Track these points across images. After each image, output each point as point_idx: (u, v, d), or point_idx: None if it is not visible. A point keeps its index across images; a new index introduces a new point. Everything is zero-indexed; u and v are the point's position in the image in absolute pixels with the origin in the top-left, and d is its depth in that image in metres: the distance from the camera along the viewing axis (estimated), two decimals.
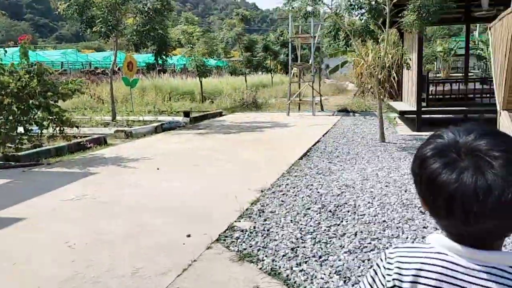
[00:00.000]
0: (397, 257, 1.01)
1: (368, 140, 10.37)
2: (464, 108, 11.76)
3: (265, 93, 24.31)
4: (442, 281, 0.92)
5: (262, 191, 5.93)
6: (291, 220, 4.76)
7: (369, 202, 5.29)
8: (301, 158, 8.32)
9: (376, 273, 1.06)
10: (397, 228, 4.46)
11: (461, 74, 34.62)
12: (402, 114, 12.09)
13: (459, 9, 12.67)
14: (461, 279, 0.91)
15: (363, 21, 9.57)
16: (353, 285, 3.33)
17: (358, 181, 6.37)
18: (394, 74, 20.43)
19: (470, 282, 0.90)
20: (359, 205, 5.19)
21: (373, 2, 9.39)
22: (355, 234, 4.32)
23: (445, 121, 12.80)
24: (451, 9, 8.86)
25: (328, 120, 14.56)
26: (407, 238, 4.20)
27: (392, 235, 4.28)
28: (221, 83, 25.21)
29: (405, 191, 5.78)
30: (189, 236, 4.41)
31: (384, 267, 1.03)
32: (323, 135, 11.15)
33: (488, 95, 11.91)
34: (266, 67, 32.62)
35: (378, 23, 10.09)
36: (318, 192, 5.77)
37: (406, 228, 4.44)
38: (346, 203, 5.27)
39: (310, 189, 5.95)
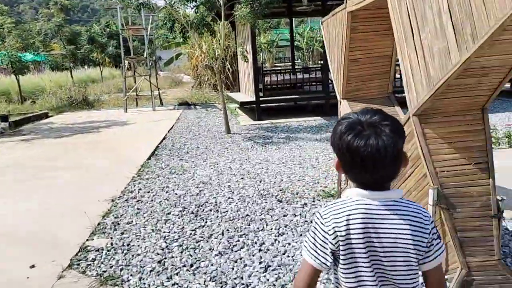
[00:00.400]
0: (330, 213, 1.38)
1: (214, 133, 10.45)
2: (295, 96, 12.73)
3: (96, 89, 22.68)
4: (365, 218, 1.34)
5: (113, 200, 5.43)
6: (152, 229, 4.44)
7: (229, 198, 5.27)
8: (149, 158, 7.92)
9: (315, 231, 1.40)
10: (260, 220, 4.53)
11: (283, 64, 37.80)
12: (242, 104, 12.51)
13: (283, 4, 13.58)
14: (376, 214, 1.35)
15: (198, 13, 9.49)
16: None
17: (214, 177, 6.32)
18: (229, 66, 21.11)
19: (381, 214, 1.35)
20: (220, 202, 5.13)
21: None
22: (222, 234, 4.24)
23: (279, 109, 13.72)
24: (279, 3, 9.39)
25: (170, 114, 14.26)
26: (271, 229, 4.29)
27: (258, 228, 4.32)
28: (43, 80, 22.59)
29: (260, 182, 5.93)
30: (33, 266, 3.76)
31: (322, 224, 1.38)
32: (168, 131, 10.85)
33: (314, 83, 13.12)
34: (94, 60, 30.46)
35: (214, 16, 10.17)
36: (176, 194, 5.53)
37: (269, 219, 4.54)
38: (207, 202, 5.16)
39: (167, 191, 5.67)
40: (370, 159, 1.31)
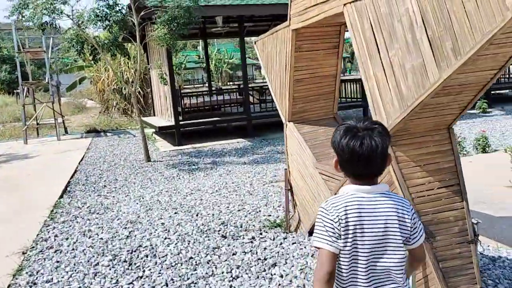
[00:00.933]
0: (331, 205, 1.64)
1: (132, 162, 9.68)
2: (216, 118, 12.38)
3: None
4: (359, 208, 1.62)
5: (24, 253, 4.56)
6: (80, 287, 3.73)
7: (165, 238, 4.69)
8: (61, 196, 6.99)
9: (323, 222, 1.63)
10: (207, 263, 4.03)
11: (192, 86, 37.28)
12: (161, 129, 11.84)
13: (196, 25, 13.25)
14: (368, 204, 1.63)
15: (111, 34, 8.79)
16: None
17: (142, 213, 5.67)
18: (139, 89, 20.20)
19: (372, 204, 1.63)
20: (156, 245, 4.53)
21: (119, 14, 8.75)
22: (166, 285, 3.67)
23: (199, 132, 13.25)
24: (198, 23, 9.04)
25: (79, 143, 13.08)
26: (222, 273, 3.81)
27: (207, 273, 3.82)
28: None
29: (197, 215, 5.42)
30: None
31: (327, 214, 1.63)
32: (79, 163, 9.83)
33: (234, 105, 12.88)
34: None
35: (128, 36, 9.52)
36: (102, 239, 4.81)
37: (217, 260, 4.06)
38: (140, 246, 4.53)
39: (90, 236, 4.92)
40: (364, 156, 1.61)
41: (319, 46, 4.10)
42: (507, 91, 17.76)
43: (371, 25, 2.80)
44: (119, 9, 8.54)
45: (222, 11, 11.00)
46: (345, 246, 1.61)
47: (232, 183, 7.13)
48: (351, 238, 1.61)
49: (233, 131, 13.27)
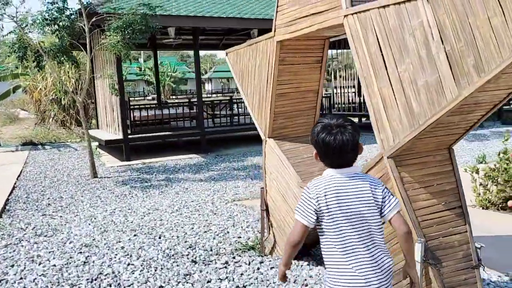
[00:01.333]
0: (313, 186, 2.01)
1: (77, 178, 9.00)
2: (168, 133, 11.93)
3: None
4: (338, 188, 1.97)
5: None
6: None
7: (129, 264, 4.25)
8: (0, 215, 6.27)
9: (303, 199, 2.02)
10: None
11: (133, 98, 36.05)
12: (107, 143, 11.18)
13: (145, 35, 12.79)
14: (344, 182, 1.98)
15: (59, 40, 8.19)
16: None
17: (98, 236, 5.17)
18: (80, 99, 19.17)
19: (348, 182, 1.98)
20: (119, 272, 4.08)
21: (68, 19, 8.18)
22: None
23: (147, 147, 12.69)
24: (154, 31, 8.66)
25: (14, 157, 12.05)
26: None
27: None
28: None
29: (160, 238, 5.02)
30: None
31: (308, 193, 2.00)
32: (17, 178, 8.99)
33: (188, 119, 12.50)
34: None
35: (76, 43, 8.92)
36: (55, 266, 4.27)
37: None
38: (101, 273, 4.06)
39: (40, 263, 4.36)
40: (338, 149, 1.96)
41: (303, 59, 3.93)
42: None
43: (377, 38, 2.66)
44: (70, 14, 7.97)
45: (177, 21, 10.67)
46: (329, 220, 1.96)
47: (192, 201, 6.76)
48: (332, 213, 1.95)
49: (183, 146, 12.85)
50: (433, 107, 2.39)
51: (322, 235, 2.00)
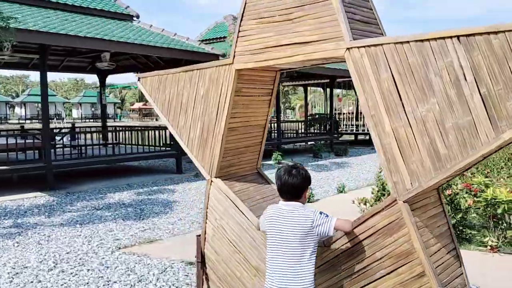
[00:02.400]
0: (268, 209, 2.74)
1: None
2: (3, 167, 9.93)
3: None
4: (277, 213, 2.65)
5: None
6: None
7: None
8: None
9: (263, 215, 2.79)
10: None
11: None
12: None
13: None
14: (285, 211, 2.63)
15: None
16: None
17: None
18: None
19: (287, 212, 2.62)
20: None
21: None
22: None
23: None
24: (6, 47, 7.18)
25: None
26: None
27: None
28: None
29: None
30: None
31: (265, 213, 2.75)
32: None
33: (30, 150, 10.64)
34: None
35: None
36: None
37: None
38: None
39: None
40: (287, 187, 2.66)
41: (256, 91, 3.59)
42: (294, 145, 20.16)
43: (393, 75, 2.52)
44: None
45: (23, 36, 9.07)
46: (268, 237, 2.67)
47: (67, 253, 5.60)
48: (270, 232, 2.65)
49: (18, 181, 10.87)
50: (465, 150, 2.32)
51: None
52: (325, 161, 15.79)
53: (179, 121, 3.84)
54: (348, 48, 2.66)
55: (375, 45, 2.56)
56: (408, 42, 2.45)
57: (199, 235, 3.76)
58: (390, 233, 2.60)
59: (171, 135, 14.37)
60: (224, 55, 12.71)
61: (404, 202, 2.53)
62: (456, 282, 2.69)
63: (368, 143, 21.19)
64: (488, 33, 2.22)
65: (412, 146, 2.48)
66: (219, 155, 3.49)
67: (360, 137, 24.75)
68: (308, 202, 8.35)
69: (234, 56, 3.28)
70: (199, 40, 13.84)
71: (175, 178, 12.06)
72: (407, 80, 2.48)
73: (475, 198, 5.68)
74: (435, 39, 2.37)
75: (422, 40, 2.41)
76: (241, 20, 3.21)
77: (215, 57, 12.25)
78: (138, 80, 4.26)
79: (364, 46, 2.59)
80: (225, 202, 3.49)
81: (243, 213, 3.37)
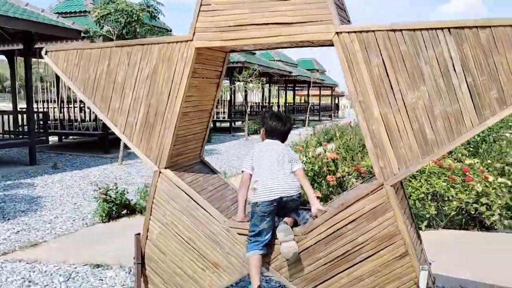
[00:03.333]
0: (254, 150, 3.18)
1: None
2: None
3: None
4: (267, 147, 3.14)
5: None
6: None
7: None
8: None
9: (249, 156, 3.19)
10: None
11: None
12: None
13: None
14: (273, 145, 3.14)
15: None
16: None
17: None
18: None
19: (275, 146, 3.15)
20: None
21: None
22: None
23: None
24: None
25: None
26: None
27: None
28: None
29: None
30: None
31: (252, 153, 3.16)
32: None
33: None
34: None
35: None
36: None
37: None
38: None
39: None
40: (282, 131, 3.12)
41: (208, 73, 3.33)
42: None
43: (384, 61, 2.59)
44: None
45: None
46: (263, 162, 3.06)
47: None
48: (262, 157, 3.07)
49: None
50: (451, 135, 2.52)
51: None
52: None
53: (110, 103, 3.36)
54: (337, 33, 2.64)
55: (366, 31, 2.59)
56: (401, 30, 2.54)
57: (139, 234, 3.38)
58: (375, 216, 2.69)
59: (22, 120, 12.59)
60: (87, 32, 11.57)
61: (390, 186, 2.64)
62: (422, 258, 2.93)
63: (228, 130, 21.64)
64: (477, 27, 2.43)
65: (401, 132, 2.60)
66: (171, 142, 3.17)
67: (221, 124, 25.07)
68: None
69: (194, 33, 2.99)
70: (56, 13, 12.31)
71: (30, 170, 10.62)
72: (398, 67, 2.57)
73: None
74: (427, 29, 2.51)
75: (414, 30, 2.53)
76: None
77: (77, 33, 11.08)
78: (46, 53, 3.61)
79: (355, 32, 2.61)
80: (178, 195, 3.18)
81: (202, 207, 3.12)
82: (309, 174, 6.23)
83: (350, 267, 2.79)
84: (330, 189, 6.19)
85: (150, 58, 3.16)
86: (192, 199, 3.14)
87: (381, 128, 2.63)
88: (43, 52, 3.64)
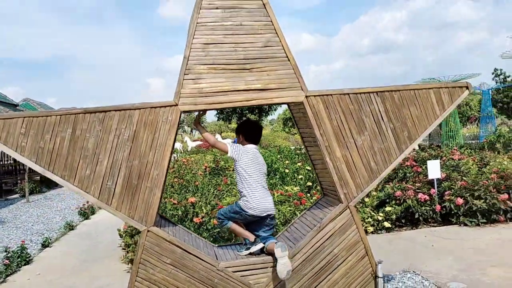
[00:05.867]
0: (244, 148, 3.90)
1: None
2: None
3: None
4: (255, 153, 3.88)
5: None
6: None
7: None
8: None
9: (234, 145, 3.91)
10: None
11: None
12: None
13: None
14: (257, 153, 3.89)
15: None
16: None
17: None
18: None
19: (258, 154, 3.92)
20: None
21: None
22: None
23: None
24: None
25: None
26: None
27: None
28: None
29: None
30: None
31: (241, 149, 3.88)
32: None
33: None
34: None
35: None
36: None
37: None
38: None
39: None
40: (258, 134, 3.93)
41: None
42: None
43: (340, 116, 3.62)
44: None
45: None
46: (249, 167, 3.72)
47: None
48: (251, 163, 3.74)
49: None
50: (385, 164, 3.72)
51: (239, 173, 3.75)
52: None
53: (78, 171, 3.36)
54: (307, 96, 3.54)
55: (327, 95, 3.58)
56: (348, 94, 3.63)
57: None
58: (344, 231, 3.66)
59: None
60: None
61: (354, 206, 3.66)
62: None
63: None
64: (392, 90, 3.73)
65: (357, 166, 3.66)
66: (159, 199, 3.42)
67: None
68: (26, 264, 7.41)
69: (179, 98, 3.40)
70: None
71: None
72: (346, 120, 3.64)
73: None
74: (364, 93, 3.67)
75: (356, 93, 3.65)
76: (187, 63, 3.40)
77: None
78: None
79: (320, 95, 3.57)
80: (171, 250, 3.44)
81: (196, 256, 3.47)
82: None
83: (329, 274, 3.65)
84: None
85: (129, 122, 3.37)
86: (185, 250, 3.45)
87: (343, 165, 3.63)
88: None
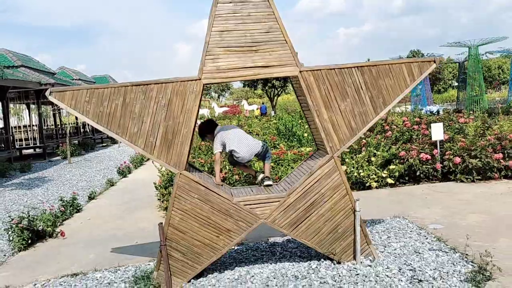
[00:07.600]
0: (223, 136, 5.36)
1: None
2: None
3: None
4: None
5: None
6: None
7: None
8: None
9: (217, 141, 5.29)
10: None
11: None
12: None
13: None
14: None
15: None
16: None
17: None
18: None
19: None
20: None
21: None
22: None
23: None
24: None
25: None
26: None
27: None
28: None
29: None
30: None
31: (220, 137, 5.35)
32: None
33: None
34: None
35: None
36: None
37: None
38: None
39: None
40: (211, 125, 5.46)
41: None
42: None
43: (327, 87, 4.75)
44: None
45: None
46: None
47: None
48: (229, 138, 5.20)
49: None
50: (363, 124, 4.85)
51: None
52: (19, 179, 14.93)
53: (128, 129, 4.63)
54: (300, 71, 4.68)
55: (317, 70, 4.70)
56: (334, 69, 4.74)
57: (161, 223, 4.75)
58: (329, 175, 4.83)
59: None
60: None
61: (337, 157, 4.82)
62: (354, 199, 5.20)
63: (41, 157, 20.50)
64: (370, 65, 4.81)
65: (340, 125, 4.80)
66: (189, 151, 4.68)
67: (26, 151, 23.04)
68: (77, 212, 8.92)
69: (202, 73, 4.59)
70: None
71: None
72: (332, 89, 4.76)
73: None
74: (347, 68, 4.77)
75: (341, 68, 4.76)
76: (207, 47, 4.58)
77: None
78: (50, 94, 4.60)
79: (311, 70, 4.69)
80: (196, 188, 4.71)
81: (215, 192, 4.74)
82: None
83: (318, 208, 4.86)
84: None
85: (165, 93, 4.60)
86: (208, 188, 4.72)
87: (329, 124, 4.78)
88: (47, 93, 4.60)
